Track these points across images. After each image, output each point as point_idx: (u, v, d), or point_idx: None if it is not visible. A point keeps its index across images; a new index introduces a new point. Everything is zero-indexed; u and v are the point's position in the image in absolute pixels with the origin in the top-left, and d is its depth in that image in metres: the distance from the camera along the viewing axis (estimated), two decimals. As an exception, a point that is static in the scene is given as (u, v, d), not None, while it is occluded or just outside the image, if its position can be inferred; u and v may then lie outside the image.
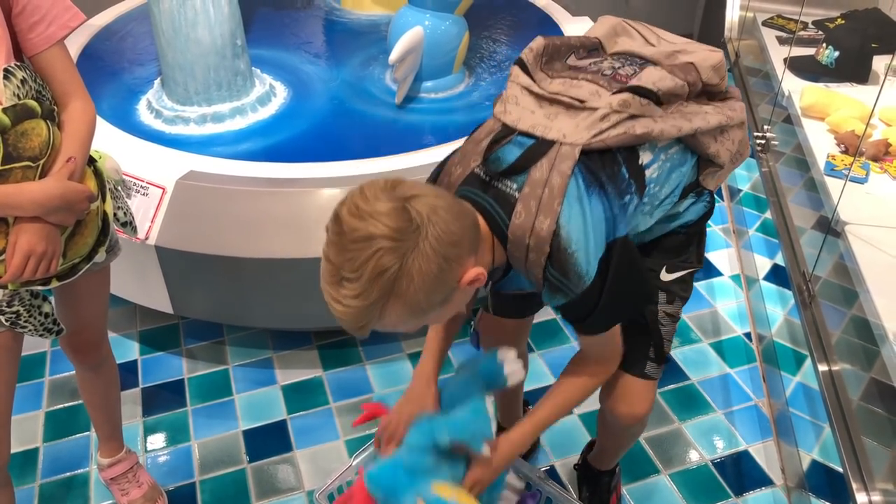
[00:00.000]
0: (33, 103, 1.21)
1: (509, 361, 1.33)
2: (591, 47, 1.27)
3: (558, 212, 1.03)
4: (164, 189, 2.03)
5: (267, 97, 2.42)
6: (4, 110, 1.16)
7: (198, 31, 2.19)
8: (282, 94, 2.49)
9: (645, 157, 1.14)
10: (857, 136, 2.17)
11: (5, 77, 1.17)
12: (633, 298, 1.17)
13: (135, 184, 2.05)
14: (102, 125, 2.24)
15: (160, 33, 2.22)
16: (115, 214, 1.44)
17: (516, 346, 1.44)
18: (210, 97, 2.30)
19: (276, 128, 2.33)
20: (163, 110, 2.31)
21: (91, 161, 1.38)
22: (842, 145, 2.22)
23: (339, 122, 2.38)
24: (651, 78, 1.13)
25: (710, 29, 3.88)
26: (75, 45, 2.72)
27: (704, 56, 1.22)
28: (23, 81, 1.20)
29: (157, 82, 2.45)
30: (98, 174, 1.39)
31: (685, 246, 1.35)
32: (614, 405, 1.43)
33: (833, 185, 2.07)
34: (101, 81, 2.52)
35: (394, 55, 2.30)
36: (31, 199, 1.21)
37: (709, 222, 2.91)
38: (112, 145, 2.14)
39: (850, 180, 2.02)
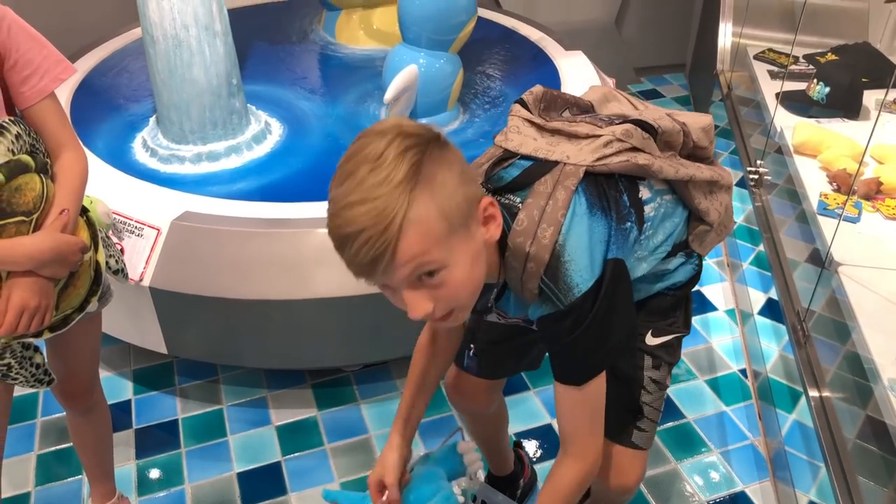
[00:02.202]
0: (27, 158, 1.22)
1: (468, 453, 1.34)
2: (585, 108, 1.29)
3: (562, 223, 1.03)
4: (158, 230, 2.03)
5: (262, 135, 2.43)
6: None
7: (193, 71, 2.20)
8: (277, 131, 2.50)
9: (644, 193, 1.16)
10: (849, 175, 2.19)
11: (0, 133, 1.18)
12: (619, 328, 1.11)
13: (129, 224, 2.05)
14: (97, 164, 2.25)
15: (155, 73, 2.23)
16: (107, 263, 1.44)
17: (489, 405, 1.45)
18: (205, 136, 2.31)
19: (272, 166, 2.33)
20: (158, 149, 2.32)
21: (83, 211, 1.38)
22: (834, 183, 2.23)
23: (335, 159, 2.34)
24: (651, 116, 1.17)
25: (701, 60, 3.92)
26: (70, 82, 2.72)
27: (695, 118, 1.24)
28: (17, 136, 1.21)
29: (152, 120, 2.45)
30: (90, 224, 1.39)
31: (672, 309, 1.34)
32: (602, 476, 1.37)
33: (826, 224, 2.08)
34: (97, 119, 2.53)
35: (388, 94, 2.31)
36: (25, 253, 1.21)
37: (703, 255, 2.91)
38: (107, 185, 2.14)
39: (843, 220, 2.03)
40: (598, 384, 1.11)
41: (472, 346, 1.51)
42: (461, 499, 1.32)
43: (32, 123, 1.27)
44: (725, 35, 3.47)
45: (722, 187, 1.27)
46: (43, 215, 1.24)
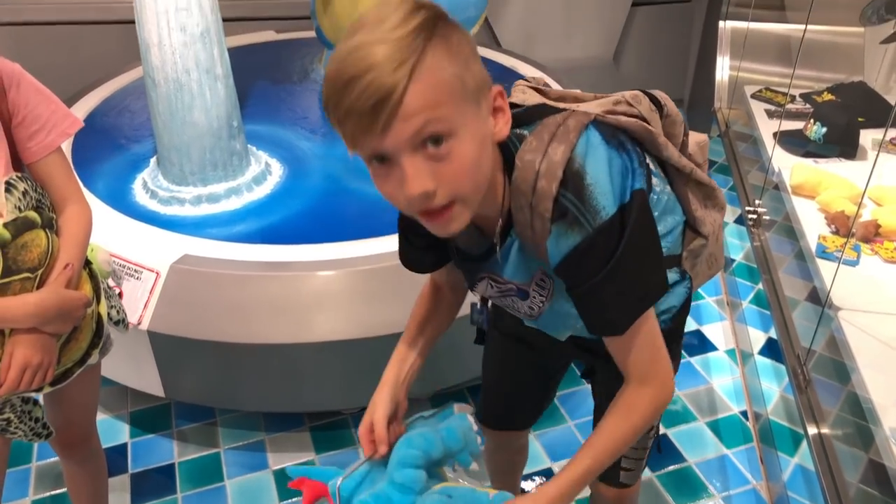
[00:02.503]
0: (34, 215, 1.22)
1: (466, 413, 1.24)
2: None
3: (574, 141, 0.96)
4: (157, 273, 2.03)
5: (262, 176, 2.44)
6: (5, 225, 1.17)
7: (194, 114, 2.21)
8: (277, 172, 2.51)
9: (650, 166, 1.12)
10: (847, 217, 2.19)
11: (7, 190, 1.19)
12: (651, 270, 1.02)
13: (128, 267, 2.05)
14: (98, 205, 2.26)
15: (156, 115, 2.25)
16: (108, 314, 1.44)
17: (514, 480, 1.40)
18: (206, 177, 2.31)
19: (272, 207, 2.34)
20: (158, 191, 2.33)
21: (86, 263, 1.38)
22: (832, 225, 2.23)
23: (334, 200, 2.39)
24: (657, 93, 1.16)
25: (699, 96, 3.95)
26: (73, 122, 2.75)
27: (691, 134, 1.24)
28: (24, 193, 1.22)
29: (153, 161, 2.47)
30: (93, 276, 1.39)
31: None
32: None
33: (825, 267, 2.07)
34: (98, 158, 2.54)
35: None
36: (28, 311, 1.21)
37: (703, 293, 2.91)
38: (107, 227, 2.15)
39: (842, 263, 2.03)
40: (645, 325, 1.03)
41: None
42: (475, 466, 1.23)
43: (38, 177, 1.28)
44: (722, 72, 3.51)
45: (716, 205, 1.24)
46: (47, 270, 1.25)
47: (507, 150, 0.99)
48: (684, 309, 1.28)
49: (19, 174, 1.22)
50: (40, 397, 1.39)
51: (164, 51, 2.12)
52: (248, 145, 2.49)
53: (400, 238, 1.23)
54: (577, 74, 3.91)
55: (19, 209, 1.19)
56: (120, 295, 1.93)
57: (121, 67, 3.23)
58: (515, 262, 1.07)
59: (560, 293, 1.09)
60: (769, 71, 3.48)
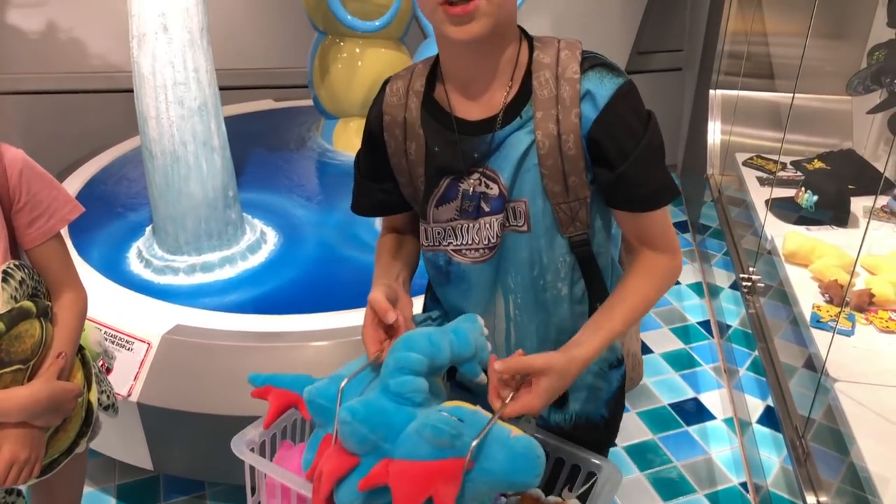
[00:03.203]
0: (29, 304, 1.21)
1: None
2: None
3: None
4: (149, 344, 2.02)
5: (257, 244, 2.44)
6: (0, 316, 1.15)
7: (190, 185, 2.24)
8: (272, 240, 2.52)
9: None
10: (841, 287, 2.19)
11: (4, 280, 1.17)
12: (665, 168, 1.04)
13: (119, 338, 2.04)
14: (92, 275, 2.26)
15: (153, 186, 2.27)
16: (98, 400, 1.42)
17: None
18: (200, 247, 2.32)
19: (266, 277, 2.34)
20: (153, 260, 2.33)
21: (79, 349, 1.36)
22: (826, 295, 2.23)
23: (328, 269, 2.40)
24: None
25: (692, 163, 4.00)
26: (71, 190, 2.77)
27: None
28: (21, 282, 1.20)
29: (148, 230, 2.48)
30: (85, 362, 1.37)
31: (599, 445, 1.19)
32: None
33: (820, 337, 2.07)
34: (95, 226, 2.55)
35: (382, 206, 2.34)
36: (19, 405, 1.18)
37: (700, 360, 2.88)
38: (101, 297, 2.14)
39: (837, 333, 2.02)
40: None
41: None
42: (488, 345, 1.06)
43: (35, 263, 1.27)
44: (714, 139, 3.56)
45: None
46: (40, 361, 1.23)
47: (525, 34, 1.05)
48: (618, 401, 1.23)
49: (17, 262, 1.21)
50: (25, 488, 1.36)
51: (161, 124, 2.16)
52: (244, 213, 2.51)
53: (357, 183, 1.23)
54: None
55: (15, 299, 1.18)
56: (108, 371, 1.91)
57: (123, 135, 3.28)
58: (514, 160, 1.03)
59: (541, 226, 1.06)
60: (760, 137, 3.53)
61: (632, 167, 1.00)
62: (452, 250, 1.13)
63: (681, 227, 3.81)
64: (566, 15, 3.88)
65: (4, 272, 1.17)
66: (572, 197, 1.04)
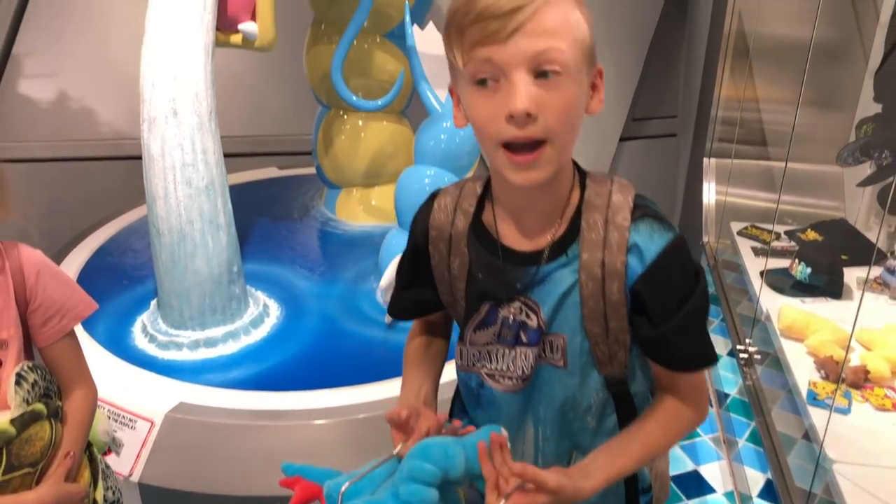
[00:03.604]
0: (40, 406, 1.23)
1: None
2: None
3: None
4: (151, 423, 2.03)
5: (260, 318, 2.48)
6: (12, 421, 1.17)
7: (196, 261, 2.28)
8: (275, 313, 2.56)
9: None
10: (836, 363, 2.22)
11: (17, 382, 1.20)
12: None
13: (122, 416, 2.06)
14: (96, 350, 2.29)
15: (159, 263, 2.32)
16: (104, 496, 1.43)
17: None
18: (204, 322, 2.35)
19: (268, 352, 2.37)
20: (157, 334, 2.36)
21: (87, 445, 1.38)
22: (822, 371, 2.26)
23: (330, 343, 2.42)
24: None
25: (688, 229, 4.06)
26: (78, 261, 2.82)
27: None
28: (33, 385, 1.23)
29: (153, 303, 2.51)
30: (92, 459, 1.39)
31: None
32: None
33: (817, 415, 2.09)
34: (100, 300, 2.55)
35: (383, 282, 2.39)
36: None
37: (699, 430, 2.88)
38: (105, 373, 2.17)
39: (834, 411, 2.04)
40: None
41: None
42: None
43: (48, 360, 1.30)
44: (709, 207, 3.63)
45: None
46: (48, 462, 1.25)
47: (578, 169, 1.05)
48: None
49: (30, 364, 1.24)
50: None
51: (169, 203, 2.21)
52: (247, 286, 2.55)
53: (396, 292, 1.25)
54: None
55: (27, 402, 1.20)
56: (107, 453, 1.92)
57: (127, 202, 3.34)
58: (556, 296, 1.02)
59: (577, 363, 1.05)
60: (754, 203, 3.60)
61: (673, 330, 1.00)
62: (486, 374, 1.12)
63: (678, 291, 3.84)
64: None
65: (18, 375, 1.20)
66: (612, 339, 1.03)
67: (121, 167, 3.82)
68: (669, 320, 0.99)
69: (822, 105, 3.50)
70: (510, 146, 0.93)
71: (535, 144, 0.92)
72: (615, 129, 4.07)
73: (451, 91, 1.04)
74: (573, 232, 1.02)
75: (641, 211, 1.00)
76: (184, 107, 2.16)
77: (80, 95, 3.83)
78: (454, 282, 1.12)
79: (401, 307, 1.26)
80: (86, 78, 3.79)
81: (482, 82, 0.92)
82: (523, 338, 1.07)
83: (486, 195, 1.11)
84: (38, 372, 1.25)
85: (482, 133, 0.95)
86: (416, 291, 1.20)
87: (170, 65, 2.13)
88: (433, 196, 1.16)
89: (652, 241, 0.98)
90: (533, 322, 1.05)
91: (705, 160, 3.68)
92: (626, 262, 0.98)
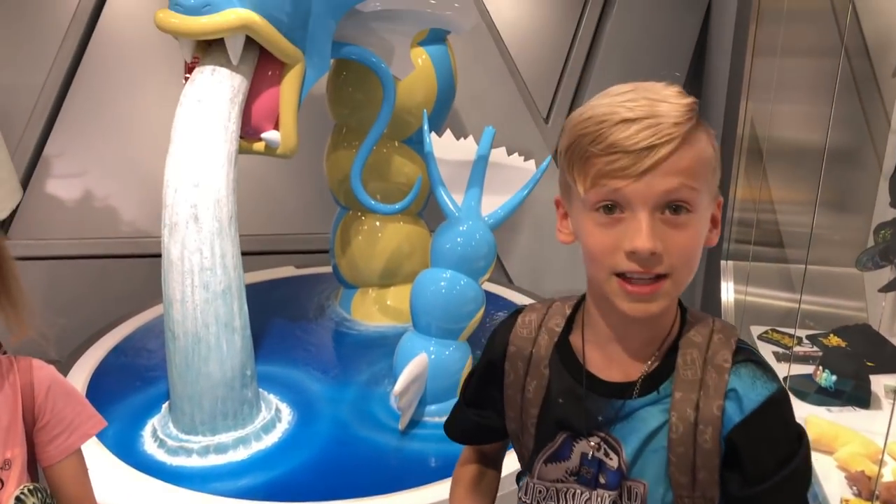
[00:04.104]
0: None
1: None
2: None
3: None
4: (157, 535, 1.97)
5: (272, 423, 2.43)
6: None
7: (209, 365, 2.26)
8: (286, 418, 2.51)
9: None
10: (869, 478, 2.13)
11: None
12: None
13: (128, 528, 2.00)
14: (105, 455, 2.24)
15: (173, 366, 2.30)
16: None
17: None
18: (215, 427, 2.31)
19: (279, 459, 2.31)
20: (167, 439, 2.32)
21: None
22: (854, 487, 2.16)
23: (342, 451, 2.36)
24: None
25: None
26: (90, 363, 2.81)
27: None
28: None
29: (165, 407, 2.48)
30: None
31: None
32: None
33: (852, 536, 1.98)
34: (112, 401, 2.55)
35: (398, 387, 2.35)
36: None
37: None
38: (112, 480, 2.12)
39: (869, 532, 1.94)
40: None
41: None
42: None
43: (51, 481, 1.27)
44: (728, 307, 3.58)
45: None
46: None
47: (680, 304, 1.00)
48: None
49: (31, 486, 1.21)
50: None
51: (185, 307, 2.21)
52: (260, 388, 2.51)
53: (457, 407, 1.17)
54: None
55: None
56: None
57: (146, 300, 3.35)
58: (642, 436, 0.94)
59: None
60: (774, 306, 3.55)
61: (768, 491, 0.92)
62: None
63: (699, 395, 3.75)
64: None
65: (17, 499, 1.17)
66: (698, 493, 0.94)
67: (141, 265, 3.87)
68: (766, 480, 0.92)
69: (838, 207, 3.51)
70: (625, 275, 0.90)
71: (654, 277, 0.89)
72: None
73: (558, 203, 1.00)
74: (667, 368, 0.96)
75: (744, 355, 0.95)
76: (205, 213, 2.19)
77: (104, 195, 3.92)
78: (526, 406, 1.04)
79: (459, 427, 1.18)
80: (111, 178, 3.89)
81: (605, 209, 0.90)
82: (601, 479, 0.98)
83: (574, 316, 1.05)
84: (39, 495, 1.22)
85: (596, 261, 0.92)
86: (480, 413, 1.13)
87: (193, 172, 2.18)
88: (517, 311, 1.11)
89: (753, 389, 0.91)
90: (613, 462, 0.97)
91: (722, 262, 3.66)
92: (723, 408, 0.92)
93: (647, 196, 0.86)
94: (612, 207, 0.89)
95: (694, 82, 4.25)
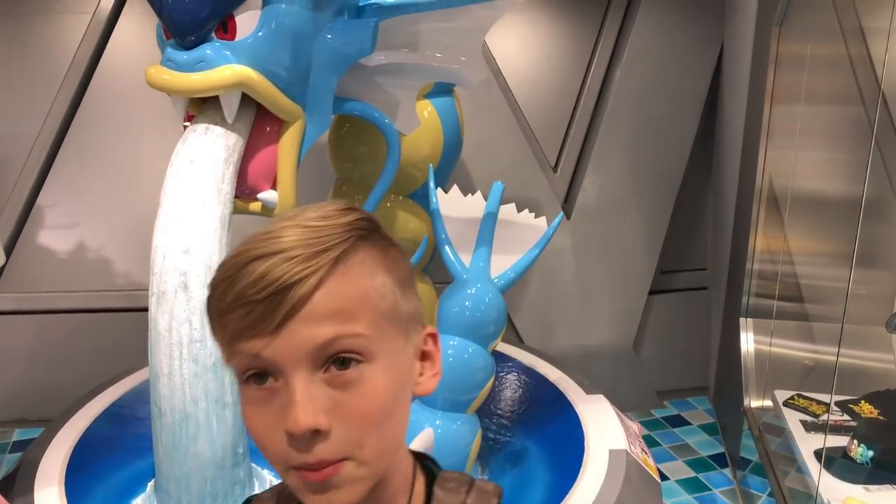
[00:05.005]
0: None
1: None
2: None
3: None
4: None
5: None
6: None
7: (198, 444, 2.09)
8: (282, 497, 2.33)
9: None
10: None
11: None
12: None
13: None
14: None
15: (159, 444, 2.13)
16: None
17: None
18: (204, 510, 2.14)
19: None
20: (151, 525, 2.14)
21: None
22: (902, 584, 1.97)
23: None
24: None
25: (725, 383, 3.83)
26: (76, 430, 2.63)
27: None
28: None
29: (150, 485, 2.31)
30: None
31: None
32: None
33: None
34: (94, 477, 2.39)
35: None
36: None
37: None
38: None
39: None
40: None
41: None
42: None
43: None
44: (748, 369, 3.41)
45: None
46: None
47: (425, 463, 0.80)
48: None
49: None
50: None
51: (173, 381, 2.06)
52: (253, 463, 2.34)
53: None
54: (597, 363, 3.84)
55: None
56: None
57: (142, 355, 3.18)
58: None
59: None
60: (794, 363, 3.38)
61: None
62: None
63: (718, 460, 3.56)
64: (588, 236, 3.91)
65: None
66: None
67: (134, 319, 3.70)
68: None
69: (864, 263, 3.36)
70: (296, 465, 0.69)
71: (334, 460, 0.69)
72: (644, 283, 3.94)
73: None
74: None
75: None
76: (195, 280, 2.04)
77: (97, 246, 3.79)
78: None
79: None
80: (105, 229, 3.77)
81: (255, 379, 0.68)
82: None
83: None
84: None
85: (265, 451, 0.70)
86: None
87: (183, 237, 2.04)
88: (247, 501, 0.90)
89: None
90: None
91: (742, 320, 3.50)
92: None
93: (293, 355, 0.67)
94: (261, 376, 0.69)
95: (707, 130, 4.14)
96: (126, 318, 3.76)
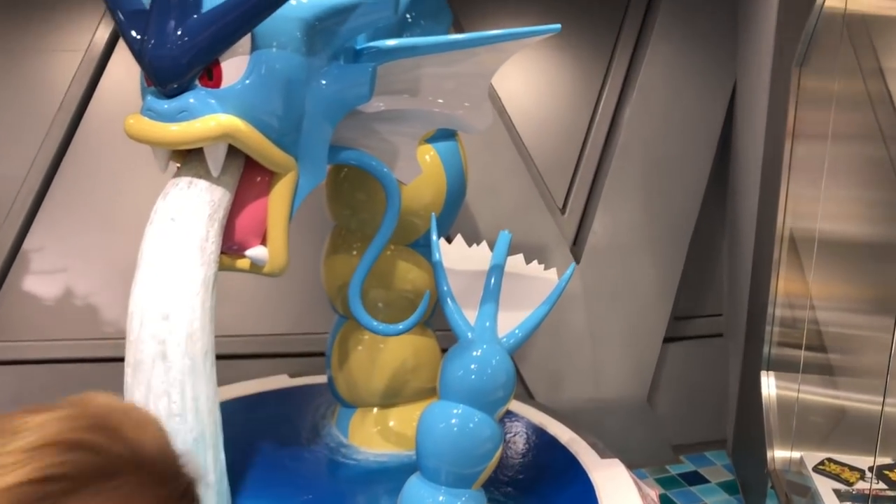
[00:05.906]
0: None
1: None
2: None
3: None
4: None
5: None
6: None
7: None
8: (270, 581, 2.14)
9: None
10: None
11: None
12: None
13: None
14: None
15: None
16: None
17: None
18: None
19: None
20: None
21: None
22: None
23: None
24: None
25: (745, 437, 3.62)
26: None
27: None
28: None
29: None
30: None
31: None
32: None
33: None
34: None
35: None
36: None
37: None
38: None
39: None
40: None
41: None
42: None
43: None
44: (771, 429, 3.21)
45: None
46: None
47: None
48: None
49: None
50: None
51: (149, 460, 1.87)
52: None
53: None
54: (610, 416, 3.65)
55: None
56: None
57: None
58: None
59: None
60: (817, 418, 3.18)
61: None
62: None
63: (740, 523, 3.36)
64: (599, 281, 3.74)
65: None
66: None
67: (122, 369, 3.53)
68: None
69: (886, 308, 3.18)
70: None
71: None
72: (658, 331, 3.75)
73: None
74: None
75: None
76: (174, 349, 1.87)
77: (84, 293, 3.64)
78: None
79: None
80: (92, 275, 3.62)
81: None
82: None
83: None
84: None
85: None
86: None
87: (161, 302, 1.87)
88: None
89: None
90: None
91: (763, 375, 3.30)
92: None
93: None
94: None
95: (720, 169, 3.98)
96: (114, 367, 3.49)
